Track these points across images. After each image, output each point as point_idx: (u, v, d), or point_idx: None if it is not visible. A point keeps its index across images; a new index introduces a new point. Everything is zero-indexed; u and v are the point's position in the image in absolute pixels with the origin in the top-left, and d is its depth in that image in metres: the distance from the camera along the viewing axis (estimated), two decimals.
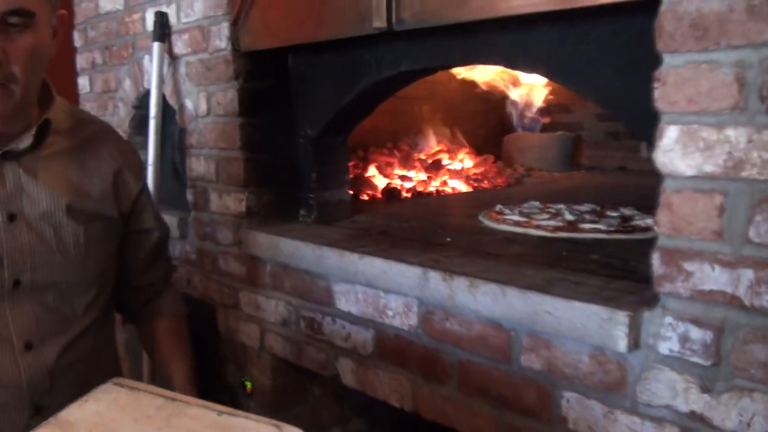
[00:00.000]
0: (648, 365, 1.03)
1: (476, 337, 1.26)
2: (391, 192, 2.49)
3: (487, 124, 3.48)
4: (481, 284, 1.21)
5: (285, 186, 1.83)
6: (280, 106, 1.79)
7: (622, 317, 1.03)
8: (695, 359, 0.98)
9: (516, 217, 1.82)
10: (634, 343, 1.03)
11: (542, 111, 3.28)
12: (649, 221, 1.73)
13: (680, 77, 0.95)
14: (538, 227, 1.70)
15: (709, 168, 0.94)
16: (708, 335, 0.97)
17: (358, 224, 1.83)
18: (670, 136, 0.97)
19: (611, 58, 1.17)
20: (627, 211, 1.89)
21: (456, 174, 2.81)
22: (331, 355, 1.58)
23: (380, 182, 2.61)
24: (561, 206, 1.98)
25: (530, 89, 3.21)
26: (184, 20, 1.87)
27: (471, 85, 3.30)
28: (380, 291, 1.43)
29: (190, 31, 1.85)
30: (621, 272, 1.26)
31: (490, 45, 1.33)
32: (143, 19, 2.07)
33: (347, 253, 1.46)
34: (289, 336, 1.69)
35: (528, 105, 3.31)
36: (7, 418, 1.16)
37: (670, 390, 1.01)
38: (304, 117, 1.79)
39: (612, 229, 1.66)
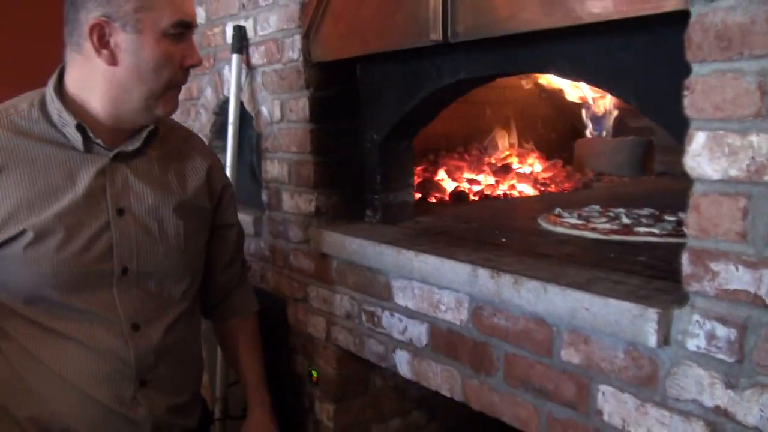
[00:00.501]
0: (677, 361, 1.09)
1: (521, 332, 1.34)
2: (458, 195, 2.57)
3: (559, 128, 3.51)
4: (525, 281, 1.29)
5: (352, 188, 1.95)
6: (348, 112, 1.91)
7: (652, 314, 1.09)
8: (720, 356, 1.03)
9: (573, 220, 1.87)
10: (664, 340, 1.09)
11: (614, 116, 3.29)
12: None
13: (707, 85, 1.01)
14: (593, 230, 1.75)
15: (733, 172, 0.99)
16: (732, 333, 1.01)
17: (420, 225, 1.93)
18: (698, 141, 1.03)
19: (651, 66, 1.23)
20: (683, 217, 1.91)
21: (524, 178, 2.87)
22: (389, 347, 1.69)
23: (449, 185, 2.70)
24: (620, 210, 2.02)
25: (602, 94, 3.23)
26: (260, 33, 2.02)
27: (542, 89, 3.35)
28: (434, 287, 1.52)
29: (265, 43, 2.00)
30: (663, 273, 1.31)
31: (540, 55, 1.41)
32: (223, 32, 2.24)
33: (404, 251, 1.56)
34: (353, 328, 1.81)
35: (599, 109, 3.33)
36: (117, 388, 1.33)
37: (697, 385, 1.06)
38: (370, 122, 1.90)
39: (665, 232, 1.70)
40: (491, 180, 2.81)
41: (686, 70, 1.03)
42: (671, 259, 1.42)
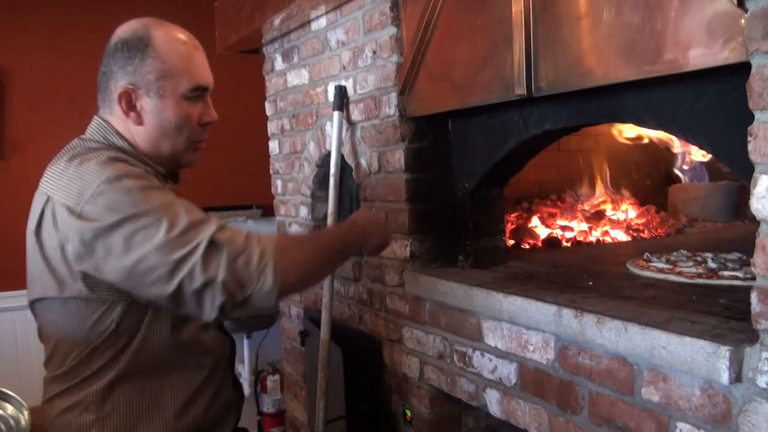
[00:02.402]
0: (749, 398, 1.16)
1: (604, 371, 1.44)
2: (551, 241, 2.67)
3: (653, 174, 3.56)
4: (607, 321, 1.39)
5: (445, 234, 2.10)
6: (441, 163, 2.08)
7: (724, 351, 1.17)
8: None
9: (660, 264, 1.95)
10: (736, 377, 1.17)
11: (707, 161, 3.32)
12: None
13: None
14: (678, 273, 1.83)
15: None
16: None
17: (510, 269, 2.05)
18: (762, 184, 1.12)
19: (721, 113, 1.34)
20: None
21: (617, 224, 2.94)
22: (480, 386, 1.80)
23: (542, 232, 2.80)
24: (708, 255, 2.07)
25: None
26: (359, 92, 2.24)
27: (637, 137, 3.42)
28: (522, 327, 1.64)
29: (364, 100, 2.21)
30: (741, 314, 1.38)
31: (618, 105, 1.53)
32: (325, 91, 2.48)
33: (493, 293, 1.69)
34: (444, 368, 1.94)
35: (693, 155, 3.36)
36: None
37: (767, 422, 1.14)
38: (462, 171, 2.06)
39: (750, 276, 1.75)
40: (584, 226, 2.89)
41: (751, 117, 1.14)
42: (749, 301, 1.50)
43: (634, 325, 1.34)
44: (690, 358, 1.23)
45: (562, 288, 1.71)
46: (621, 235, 2.85)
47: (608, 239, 2.81)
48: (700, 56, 1.25)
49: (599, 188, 3.27)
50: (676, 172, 3.30)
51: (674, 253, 2.14)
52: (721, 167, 3.35)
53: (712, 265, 1.91)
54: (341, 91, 2.26)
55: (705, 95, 1.36)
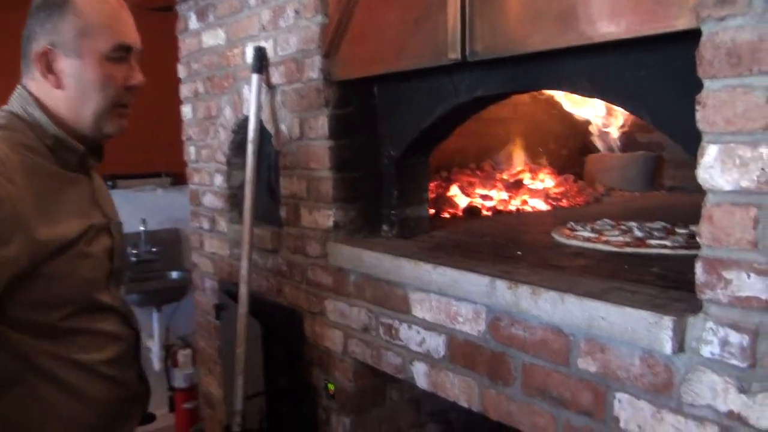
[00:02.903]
0: (692, 367, 1.13)
1: (538, 342, 1.39)
2: (471, 210, 2.63)
3: (570, 144, 3.57)
4: (542, 292, 1.34)
5: (369, 203, 2.01)
6: (366, 129, 1.98)
7: (667, 322, 1.13)
8: (733, 361, 1.07)
9: (586, 233, 1.92)
10: (679, 347, 1.13)
11: (624, 131, 3.35)
12: None
13: (718, 100, 1.06)
14: (605, 242, 1.80)
15: (744, 183, 1.04)
16: (745, 339, 1.06)
17: (435, 239, 1.98)
18: (710, 154, 1.08)
19: (663, 82, 1.29)
20: (696, 229, 1.96)
21: (536, 193, 2.93)
22: (406, 359, 1.73)
23: (461, 201, 2.75)
24: (632, 224, 2.06)
25: (612, 110, 3.29)
26: (280, 53, 2.10)
27: (554, 106, 3.41)
28: (452, 299, 1.57)
29: (286, 63, 2.07)
30: (676, 283, 1.36)
31: (555, 72, 1.47)
32: (243, 53, 2.32)
33: (422, 264, 1.62)
34: (370, 341, 1.86)
35: (610, 125, 3.39)
36: None
37: (711, 391, 1.11)
38: (387, 139, 1.96)
39: (677, 245, 1.75)
40: (504, 195, 2.86)
41: (697, 86, 1.09)
42: (683, 270, 1.48)
43: (570, 296, 1.29)
44: (631, 329, 1.19)
45: (491, 259, 1.65)
46: (540, 204, 2.83)
47: (528, 208, 2.78)
48: (645, 23, 1.19)
49: (518, 157, 3.25)
50: (594, 142, 3.32)
51: (598, 222, 2.12)
52: (637, 138, 3.39)
53: (638, 233, 1.90)
54: (260, 53, 2.11)
55: (646, 63, 1.31)
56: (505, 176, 3.09)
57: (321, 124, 1.94)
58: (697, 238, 1.12)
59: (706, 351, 1.11)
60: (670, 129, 1.32)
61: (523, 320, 1.41)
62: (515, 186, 2.94)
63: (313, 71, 1.94)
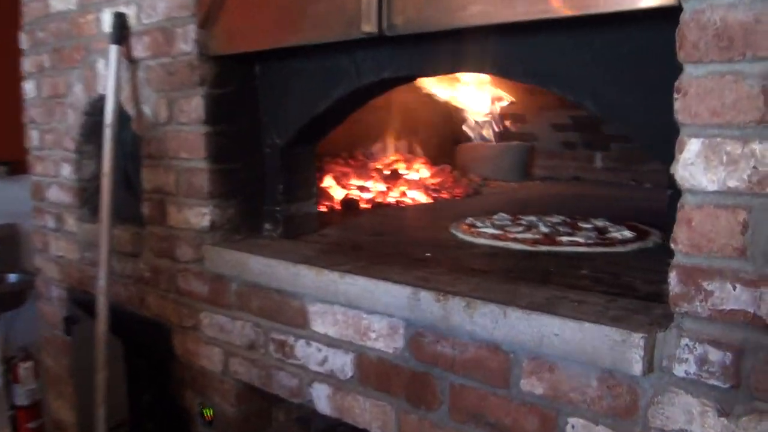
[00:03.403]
0: (662, 388, 0.99)
1: (471, 360, 1.20)
2: (349, 203, 2.42)
3: (440, 133, 3.44)
4: (479, 305, 1.15)
5: (249, 199, 1.74)
6: (246, 114, 1.70)
7: (637, 339, 0.98)
8: (713, 382, 0.94)
9: (490, 230, 1.77)
10: (649, 366, 0.99)
11: (498, 121, 3.27)
12: (626, 233, 1.71)
13: (703, 88, 0.91)
14: (514, 240, 1.66)
15: (732, 183, 0.90)
16: (727, 357, 0.93)
17: (327, 238, 1.75)
18: (691, 149, 0.93)
19: (612, 68, 1.14)
20: (599, 223, 1.87)
21: (414, 184, 2.77)
22: (304, 381, 1.49)
23: (337, 193, 2.54)
24: (533, 218, 1.95)
25: (485, 99, 3.20)
26: (144, 21, 1.75)
27: (425, 94, 3.27)
28: (362, 311, 1.35)
29: (151, 33, 1.73)
30: (616, 288, 1.24)
31: (481, 52, 1.28)
32: (98, 20, 1.93)
33: (326, 272, 1.38)
34: (257, 360, 1.60)
35: (483, 115, 3.30)
36: None
37: (686, 414, 0.97)
38: (271, 125, 1.70)
39: (591, 241, 1.64)
40: (381, 187, 2.68)
41: (657, 72, 0.95)
42: (614, 272, 1.36)
43: (515, 310, 1.11)
44: (591, 347, 1.03)
45: (403, 263, 1.45)
46: (420, 196, 2.67)
47: (407, 200, 2.62)
48: None
49: (391, 146, 3.07)
50: (466, 131, 3.21)
51: (495, 217, 1.99)
52: (510, 127, 3.32)
53: (544, 229, 1.77)
54: (120, 20, 1.75)
55: (592, 46, 1.16)
56: (379, 166, 2.91)
57: (195, 106, 1.64)
58: (672, 245, 0.98)
59: (679, 370, 0.97)
60: (621, 119, 1.17)
61: (451, 336, 1.22)
62: (392, 177, 2.76)
63: (186, 43, 1.63)
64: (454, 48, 1.31)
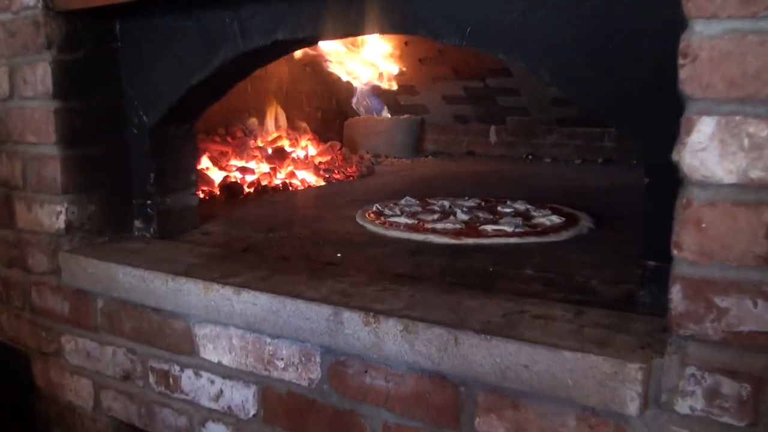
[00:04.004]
0: (659, 429, 0.79)
1: (410, 395, 0.95)
2: (230, 188, 2.11)
3: (324, 106, 3.16)
4: (421, 329, 0.90)
5: (114, 191, 1.40)
6: (106, 85, 1.35)
7: (633, 371, 0.77)
8: (726, 419, 0.75)
9: (403, 220, 1.53)
10: (644, 403, 0.78)
11: (387, 93, 3.03)
12: (553, 218, 1.52)
13: (719, 52, 0.70)
14: (435, 232, 1.43)
15: (756, 174, 0.70)
16: (744, 389, 0.74)
17: (212, 237, 1.45)
18: (703, 131, 0.72)
19: (571, 29, 0.92)
20: (519, 206, 1.68)
21: (302, 164, 2.48)
22: (195, 419, 1.20)
23: (216, 176, 2.22)
24: (444, 203, 1.73)
25: (374, 69, 2.94)
26: None
27: (307, 62, 2.97)
28: (265, 336, 1.07)
29: None
30: (575, 294, 1.04)
31: (405, 8, 1.02)
32: None
33: (217, 287, 1.09)
34: (135, 394, 1.28)
35: (371, 86, 3.05)
36: None
37: None
38: (139, 99, 1.36)
39: (519, 230, 1.43)
40: (265, 167, 2.38)
41: (628, 36, 0.73)
42: (562, 270, 1.16)
43: (469, 335, 0.87)
44: (572, 381, 0.81)
45: (310, 269, 1.18)
46: (310, 177, 2.40)
47: (296, 182, 2.33)
48: None
49: (272, 121, 2.76)
50: (353, 105, 2.94)
51: (402, 202, 1.75)
52: (400, 101, 3.09)
53: (462, 216, 1.56)
54: None
55: (546, 3, 0.93)
56: (261, 144, 2.60)
57: (41, 75, 1.27)
58: (675, 251, 0.76)
59: (683, 406, 0.77)
60: (583, 92, 0.95)
61: (384, 366, 0.97)
62: (278, 156, 2.46)
63: None
64: (371, 3, 1.05)
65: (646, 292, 0.94)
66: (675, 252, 0.76)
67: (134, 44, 1.35)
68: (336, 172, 2.46)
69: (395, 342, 0.92)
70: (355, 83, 2.95)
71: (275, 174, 2.33)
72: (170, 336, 1.19)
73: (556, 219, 1.52)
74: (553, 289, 1.07)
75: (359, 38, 2.79)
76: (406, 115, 2.97)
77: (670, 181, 0.87)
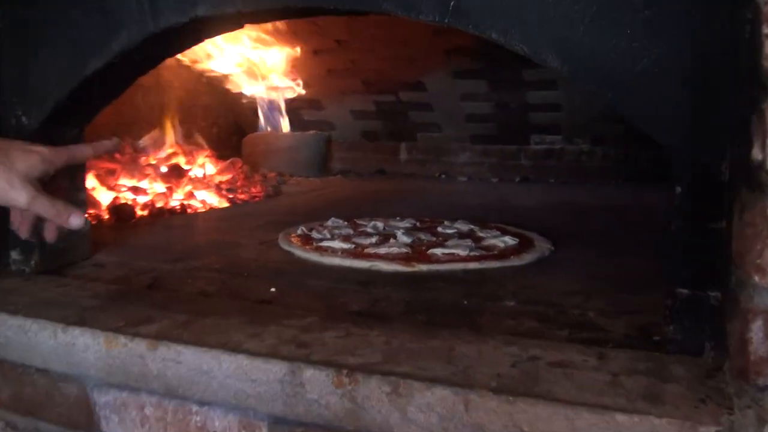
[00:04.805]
0: None
1: None
2: (120, 210, 1.80)
3: (221, 122, 2.87)
4: (417, 390, 0.67)
5: None
6: None
7: None
8: None
9: (337, 244, 1.30)
10: None
11: (291, 107, 2.78)
12: (506, 239, 1.33)
13: None
14: (378, 257, 1.21)
15: None
16: None
17: (106, 270, 1.15)
18: None
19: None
20: (462, 226, 1.49)
21: (201, 183, 2.19)
22: None
23: (103, 197, 1.90)
24: (377, 224, 1.51)
25: (275, 81, 2.69)
26: None
27: (199, 72, 2.69)
28: (191, 403, 0.80)
29: None
30: (578, 330, 0.86)
31: None
32: None
33: (124, 339, 0.81)
34: None
35: (270, 100, 2.79)
36: None
37: None
38: (17, 96, 1.06)
39: (475, 253, 1.23)
40: (160, 187, 2.07)
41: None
42: (547, 300, 0.98)
43: (486, 396, 0.65)
44: None
45: (242, 309, 0.92)
46: (211, 198, 2.11)
47: (197, 204, 2.04)
48: None
49: (167, 136, 2.45)
50: (260, 119, 2.67)
51: (329, 224, 1.52)
52: (303, 115, 2.84)
53: (404, 239, 1.34)
54: None
55: None
56: (153, 161, 2.29)
57: None
58: (755, 276, 0.58)
59: None
60: (598, 77, 0.75)
61: None
62: (174, 174, 2.16)
63: None
64: None
65: (678, 327, 0.75)
66: (755, 277, 0.57)
67: (18, 25, 1.04)
68: (240, 191, 2.18)
69: (381, 409, 0.69)
70: (256, 96, 2.69)
71: (171, 194, 2.03)
72: (61, 405, 0.89)
73: (509, 240, 1.33)
74: (550, 325, 0.87)
75: (259, 48, 2.55)
76: (311, 131, 2.73)
77: (710, 189, 0.70)
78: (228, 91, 2.71)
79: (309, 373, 0.72)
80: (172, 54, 1.12)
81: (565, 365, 0.72)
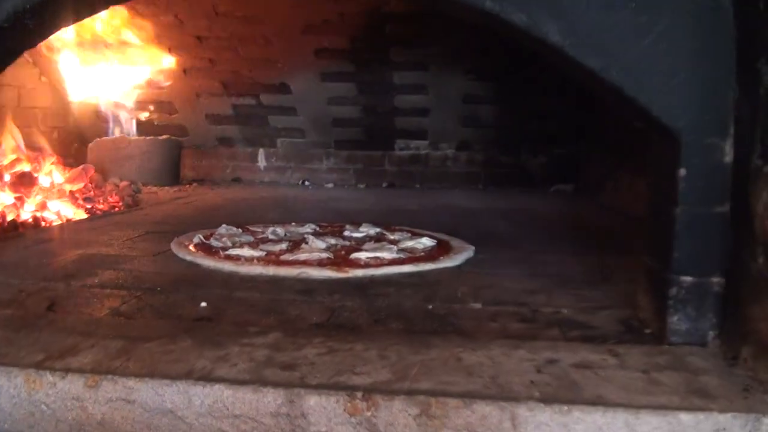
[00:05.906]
0: None
1: None
2: None
3: (61, 126, 2.54)
4: (453, 409, 0.57)
5: None
6: None
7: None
8: None
9: (247, 252, 1.15)
10: None
11: (140, 110, 2.52)
12: (424, 241, 1.26)
13: None
14: (299, 263, 1.08)
15: None
16: None
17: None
18: None
19: None
20: (369, 230, 1.39)
21: (53, 193, 1.90)
22: None
23: None
24: (276, 229, 1.37)
25: (122, 82, 2.42)
26: None
27: (45, 71, 2.37)
28: None
29: None
30: (568, 328, 0.81)
31: None
32: None
33: (53, 378, 0.63)
34: None
35: (122, 103, 2.52)
36: None
37: None
38: None
39: (403, 256, 1.14)
40: (8, 198, 1.76)
41: None
42: (513, 300, 0.93)
43: (533, 408, 0.57)
44: None
45: (179, 328, 0.77)
46: (67, 209, 1.84)
47: (51, 216, 1.76)
48: None
49: (7, 140, 2.11)
50: (99, 122, 2.38)
51: (224, 231, 1.38)
52: (155, 121, 2.58)
53: (319, 244, 1.22)
54: None
55: None
56: None
57: None
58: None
59: None
60: (603, 58, 0.69)
61: None
62: (23, 183, 1.85)
63: None
64: None
65: (682, 317, 0.71)
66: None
67: None
68: (99, 201, 1.92)
69: None
70: (100, 98, 2.41)
71: (23, 205, 1.74)
72: None
73: (426, 242, 1.25)
74: (534, 325, 0.80)
75: (103, 44, 2.28)
76: (163, 137, 2.48)
77: (716, 171, 0.66)
78: (67, 92, 2.41)
79: (312, 400, 0.59)
80: (30, 47, 0.91)
81: (588, 366, 0.65)
